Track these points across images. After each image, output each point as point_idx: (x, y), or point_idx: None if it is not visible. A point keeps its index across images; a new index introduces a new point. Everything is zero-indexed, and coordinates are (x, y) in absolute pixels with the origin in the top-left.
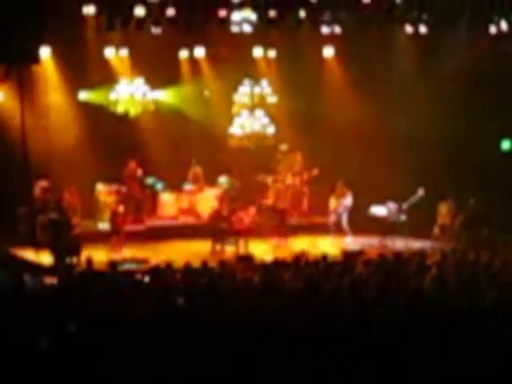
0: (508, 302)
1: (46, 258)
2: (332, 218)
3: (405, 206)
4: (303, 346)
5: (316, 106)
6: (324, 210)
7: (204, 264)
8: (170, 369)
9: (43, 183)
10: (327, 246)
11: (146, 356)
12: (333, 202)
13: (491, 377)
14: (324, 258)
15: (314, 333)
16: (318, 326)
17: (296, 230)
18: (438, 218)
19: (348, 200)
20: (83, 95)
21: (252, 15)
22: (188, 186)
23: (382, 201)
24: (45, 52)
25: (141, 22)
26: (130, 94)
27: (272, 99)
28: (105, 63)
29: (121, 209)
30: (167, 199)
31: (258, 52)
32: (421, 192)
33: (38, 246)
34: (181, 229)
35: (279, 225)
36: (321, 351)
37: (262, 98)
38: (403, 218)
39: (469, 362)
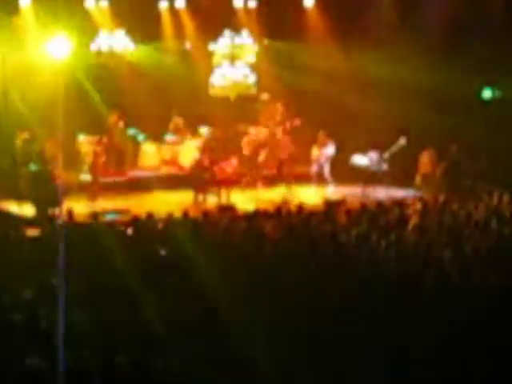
0: (489, 249)
1: (28, 210)
2: (314, 168)
3: (386, 155)
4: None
5: (297, 55)
6: (306, 160)
7: (186, 214)
8: (153, 317)
9: (25, 135)
10: (309, 195)
11: (129, 305)
12: (315, 152)
13: (473, 324)
14: (300, 208)
15: (298, 281)
16: (301, 274)
17: (278, 180)
18: (420, 167)
19: (330, 149)
20: (64, 46)
21: None
22: (170, 137)
23: (363, 150)
24: (25, 2)
25: None
26: (111, 45)
27: (253, 49)
28: (86, 14)
29: (100, 159)
30: (149, 150)
31: (238, 2)
32: (402, 141)
33: (20, 198)
34: (163, 179)
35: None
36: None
37: (243, 48)
38: (385, 167)
39: (451, 310)
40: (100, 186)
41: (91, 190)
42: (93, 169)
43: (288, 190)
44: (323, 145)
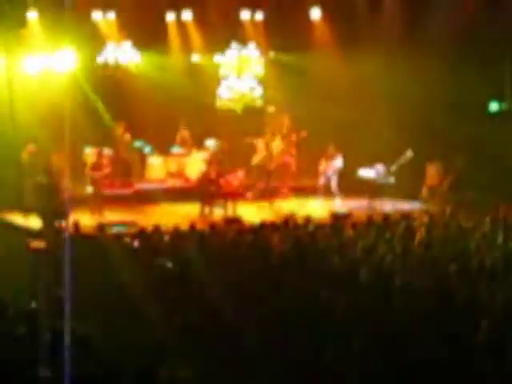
0: (496, 263)
1: (34, 222)
2: (321, 181)
3: (393, 168)
4: (292, 308)
5: (304, 67)
6: (313, 173)
7: (192, 227)
8: (158, 329)
9: (31, 147)
10: (316, 208)
11: (134, 317)
12: (323, 165)
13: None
14: (308, 220)
15: (303, 295)
16: (306, 288)
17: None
18: (427, 180)
19: (338, 162)
20: (71, 58)
21: None
22: (176, 150)
23: (370, 163)
24: (32, 15)
25: None
26: (117, 57)
27: (259, 61)
28: (92, 26)
29: (101, 171)
30: (155, 163)
31: (245, 14)
32: (409, 153)
33: (26, 210)
34: (169, 192)
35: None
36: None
37: (250, 60)
38: (391, 180)
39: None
40: (102, 198)
41: (94, 203)
42: (93, 181)
43: (298, 202)
44: (331, 157)
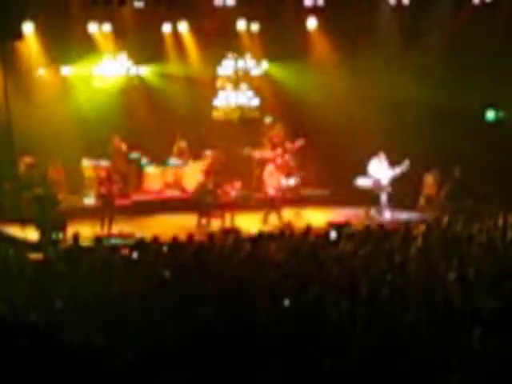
0: (492, 272)
1: (31, 234)
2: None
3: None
4: (290, 321)
5: (300, 77)
6: (314, 183)
7: (190, 237)
8: (157, 343)
9: (28, 159)
10: (313, 218)
11: (133, 330)
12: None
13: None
14: (308, 229)
15: (301, 307)
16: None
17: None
18: (424, 189)
19: (383, 162)
20: (67, 71)
21: None
22: (173, 161)
23: (367, 172)
24: (28, 28)
25: None
26: (114, 69)
27: (256, 72)
28: (88, 39)
29: (108, 185)
30: (152, 173)
31: (241, 25)
32: (406, 163)
33: (23, 221)
34: (166, 203)
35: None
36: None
37: (246, 71)
38: (389, 189)
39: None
40: (113, 211)
41: (104, 216)
42: (102, 196)
43: (296, 212)
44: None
